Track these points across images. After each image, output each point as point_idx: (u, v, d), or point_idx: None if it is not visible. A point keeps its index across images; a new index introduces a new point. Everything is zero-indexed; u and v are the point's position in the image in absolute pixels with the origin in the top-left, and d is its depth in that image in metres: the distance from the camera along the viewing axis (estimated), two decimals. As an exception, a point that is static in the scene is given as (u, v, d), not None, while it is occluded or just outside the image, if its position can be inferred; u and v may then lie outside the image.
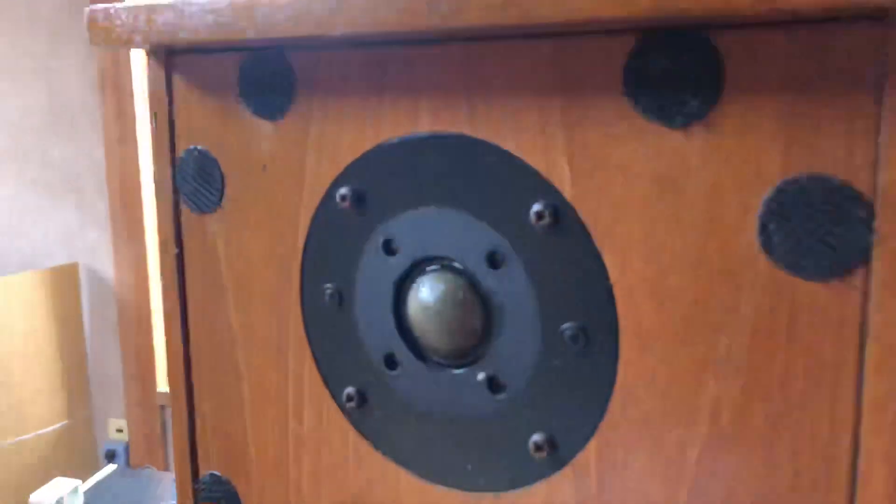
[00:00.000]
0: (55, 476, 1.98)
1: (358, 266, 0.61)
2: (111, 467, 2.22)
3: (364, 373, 0.62)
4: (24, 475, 2.42)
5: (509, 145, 0.54)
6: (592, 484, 0.54)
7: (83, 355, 2.74)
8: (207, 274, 0.69)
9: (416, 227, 0.58)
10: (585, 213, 0.52)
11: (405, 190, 0.58)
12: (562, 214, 0.52)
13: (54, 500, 1.81)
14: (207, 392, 0.71)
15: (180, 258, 0.70)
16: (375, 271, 0.60)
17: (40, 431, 2.52)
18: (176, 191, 0.68)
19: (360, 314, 0.62)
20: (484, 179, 0.55)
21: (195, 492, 0.72)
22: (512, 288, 0.55)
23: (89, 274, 2.73)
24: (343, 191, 0.60)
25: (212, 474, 0.70)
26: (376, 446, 0.62)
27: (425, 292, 0.58)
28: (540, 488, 0.56)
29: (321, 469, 0.65)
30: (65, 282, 2.63)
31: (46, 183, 2.74)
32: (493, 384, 0.57)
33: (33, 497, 1.81)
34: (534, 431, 0.56)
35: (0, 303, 2.42)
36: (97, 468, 2.46)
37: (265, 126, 0.63)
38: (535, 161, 0.53)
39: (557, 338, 0.54)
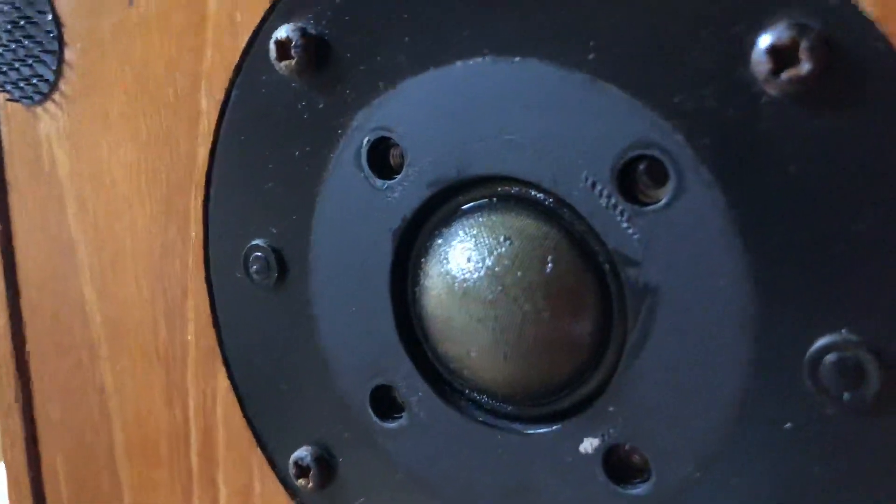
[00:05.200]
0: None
1: (316, 198, 0.29)
2: None
3: (330, 422, 0.30)
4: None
5: None
6: None
7: None
8: (48, 220, 0.36)
9: (441, 107, 0.25)
10: (905, 46, 0.19)
11: (417, 24, 0.25)
12: (838, 49, 0.20)
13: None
14: (58, 422, 0.39)
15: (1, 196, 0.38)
16: (352, 209, 0.28)
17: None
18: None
19: (320, 302, 0.29)
20: (613, -18, 0.22)
21: None
22: (683, 243, 0.22)
23: None
24: (283, 33, 0.27)
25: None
26: (355, 569, 0.31)
27: (462, 260, 0.25)
28: None
29: None
30: None
31: None
32: (617, 463, 0.25)
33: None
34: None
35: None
36: None
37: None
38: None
39: (801, 369, 0.21)
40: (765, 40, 0.20)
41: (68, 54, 0.33)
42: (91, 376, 0.37)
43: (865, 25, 0.19)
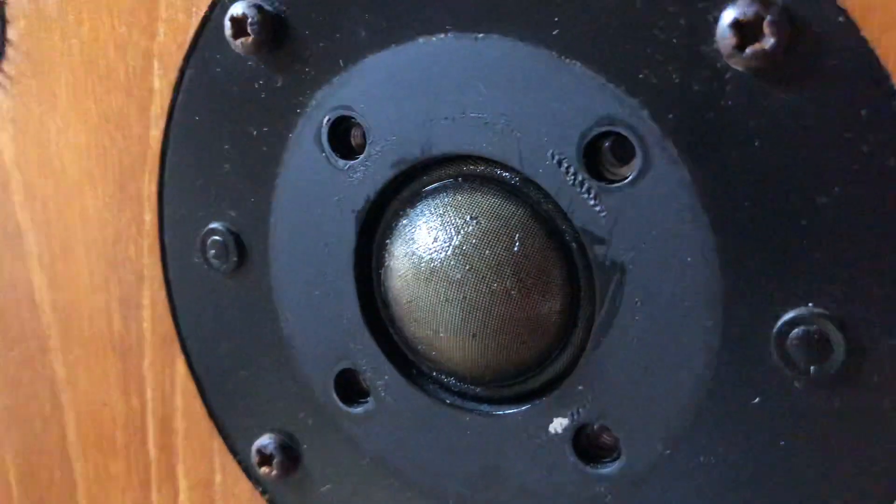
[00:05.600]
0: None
1: (276, 179, 0.28)
2: None
3: (293, 408, 0.30)
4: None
5: None
6: None
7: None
8: (-7, 207, 0.35)
9: (403, 85, 0.25)
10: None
11: (378, 1, 0.25)
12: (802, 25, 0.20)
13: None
14: (5, 416, 0.38)
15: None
16: (314, 191, 0.27)
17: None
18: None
19: (281, 286, 0.29)
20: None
21: None
22: (650, 220, 0.22)
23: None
24: (239, 10, 0.26)
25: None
26: (320, 556, 0.30)
27: (429, 239, 0.25)
28: None
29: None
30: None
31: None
32: (587, 443, 0.25)
33: None
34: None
35: None
36: None
37: None
38: None
39: (768, 344, 0.22)
40: (729, 15, 0.20)
41: (10, 32, 0.32)
42: (41, 367, 0.36)
43: (825, 0, 0.19)
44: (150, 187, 0.30)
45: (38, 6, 0.31)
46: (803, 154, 0.20)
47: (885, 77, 0.19)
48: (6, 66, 0.32)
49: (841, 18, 0.19)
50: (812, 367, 0.21)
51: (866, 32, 0.19)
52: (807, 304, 0.21)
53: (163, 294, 0.31)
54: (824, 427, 0.21)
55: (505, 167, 0.24)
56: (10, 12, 0.32)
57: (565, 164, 0.23)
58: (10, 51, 0.32)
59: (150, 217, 0.31)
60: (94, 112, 0.31)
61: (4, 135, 0.33)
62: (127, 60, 0.30)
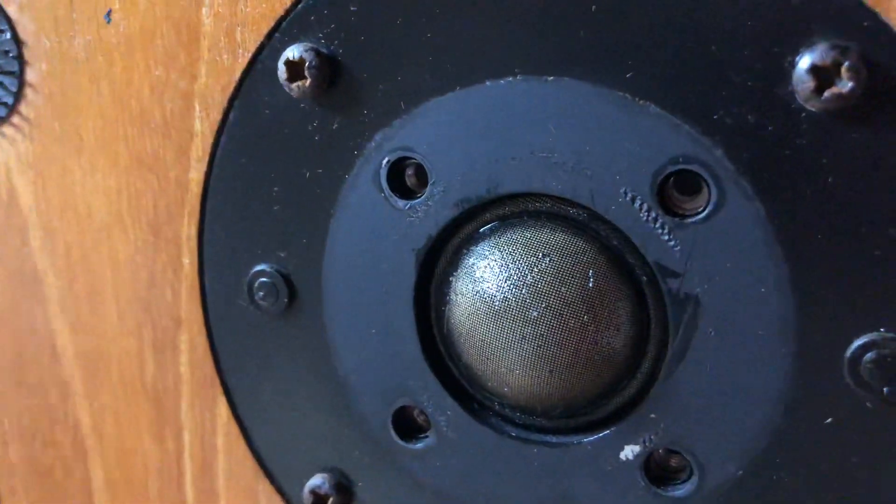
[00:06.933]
0: None
1: (329, 220, 0.28)
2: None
3: (347, 447, 0.30)
4: None
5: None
6: None
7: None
8: (5, 252, 0.34)
9: (468, 126, 0.25)
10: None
11: (441, 45, 0.25)
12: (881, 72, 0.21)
13: None
14: (19, 465, 0.37)
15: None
16: (371, 231, 0.27)
17: None
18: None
19: (335, 326, 0.29)
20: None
21: None
22: (725, 253, 0.23)
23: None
24: (295, 53, 0.26)
25: None
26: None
27: (500, 277, 0.25)
28: None
29: None
30: None
31: None
32: (658, 470, 0.26)
33: None
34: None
35: None
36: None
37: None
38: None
39: (841, 367, 0.23)
40: (807, 60, 0.21)
41: (30, 75, 0.31)
42: (62, 415, 0.35)
43: (897, 44, 0.21)
44: (188, 230, 0.30)
45: (62, 48, 0.30)
46: (876, 189, 0.22)
47: (954, 117, 0.21)
48: (25, 110, 0.32)
49: (912, 62, 0.21)
50: (885, 388, 0.22)
51: (937, 76, 0.21)
52: (879, 329, 0.22)
53: (202, 337, 0.31)
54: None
55: (572, 204, 0.25)
56: (29, 54, 0.31)
57: (639, 202, 0.24)
58: (29, 93, 0.31)
59: (188, 260, 0.30)
60: (125, 155, 0.30)
61: (23, 179, 0.32)
62: (164, 103, 0.29)
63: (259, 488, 0.32)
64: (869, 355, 0.22)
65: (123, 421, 0.33)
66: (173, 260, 0.31)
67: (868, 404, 0.23)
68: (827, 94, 0.21)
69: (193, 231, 0.30)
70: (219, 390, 0.31)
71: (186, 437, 0.32)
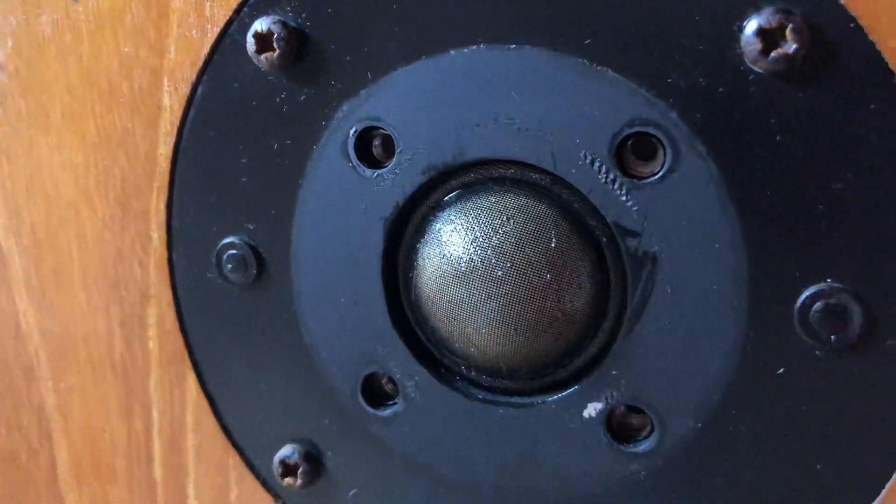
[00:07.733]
0: None
1: (298, 191, 0.28)
2: None
3: (315, 417, 0.30)
4: None
5: None
6: None
7: None
8: (-32, 234, 0.34)
9: (434, 95, 0.26)
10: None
11: (407, 16, 0.26)
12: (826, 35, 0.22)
13: None
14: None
15: None
16: (339, 200, 0.28)
17: None
18: None
19: (304, 296, 0.29)
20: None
21: None
22: (681, 212, 0.24)
23: None
24: (263, 25, 0.27)
25: None
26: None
27: (467, 240, 0.26)
28: None
29: None
30: None
31: None
32: (620, 427, 0.27)
33: None
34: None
35: None
36: None
37: None
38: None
39: (792, 318, 0.24)
40: (754, 23, 0.22)
41: (-4, 53, 0.31)
42: (25, 397, 0.35)
43: (838, 9, 0.22)
44: (157, 204, 0.30)
45: (28, 27, 0.30)
46: (820, 146, 0.23)
47: (891, 75, 0.22)
48: (-10, 86, 0.32)
49: (852, 25, 0.22)
50: (833, 337, 0.23)
51: (874, 37, 0.22)
52: (826, 280, 0.23)
53: (171, 312, 0.31)
54: (846, 390, 0.24)
55: (534, 169, 0.26)
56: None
57: (598, 164, 0.25)
58: (-3, 66, 0.31)
59: (157, 234, 0.31)
60: (93, 130, 0.31)
61: (-11, 158, 0.32)
62: (132, 78, 0.29)
63: (229, 463, 0.32)
64: (817, 305, 0.23)
65: (90, 400, 0.33)
66: (141, 235, 0.31)
67: (817, 353, 0.24)
68: (773, 54, 0.22)
69: (162, 205, 0.30)
70: (188, 366, 0.31)
71: (155, 414, 0.32)
